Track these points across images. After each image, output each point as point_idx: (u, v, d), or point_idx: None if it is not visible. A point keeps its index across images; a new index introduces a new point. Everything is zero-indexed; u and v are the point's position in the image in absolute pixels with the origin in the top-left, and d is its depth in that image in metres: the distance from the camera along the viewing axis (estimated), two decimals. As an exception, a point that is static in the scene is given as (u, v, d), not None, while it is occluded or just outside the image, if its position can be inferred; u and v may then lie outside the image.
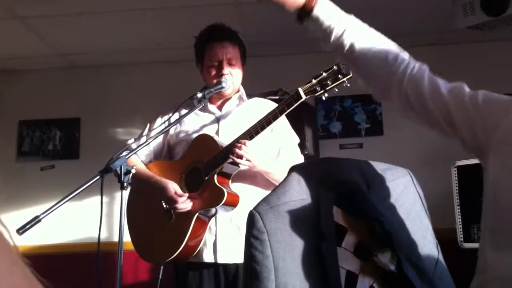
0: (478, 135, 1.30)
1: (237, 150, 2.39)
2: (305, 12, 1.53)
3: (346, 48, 1.48)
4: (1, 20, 3.80)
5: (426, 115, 1.39)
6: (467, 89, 1.35)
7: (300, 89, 2.33)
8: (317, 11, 1.51)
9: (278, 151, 2.68)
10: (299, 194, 1.43)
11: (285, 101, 2.39)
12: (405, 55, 1.46)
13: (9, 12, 3.67)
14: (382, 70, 1.45)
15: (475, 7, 3.42)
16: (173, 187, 2.53)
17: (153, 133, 2.61)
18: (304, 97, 2.32)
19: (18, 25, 3.90)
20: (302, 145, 3.05)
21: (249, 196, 2.48)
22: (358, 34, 1.48)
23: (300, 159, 2.73)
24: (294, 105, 2.36)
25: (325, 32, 1.51)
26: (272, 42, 4.45)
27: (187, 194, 2.52)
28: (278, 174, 2.46)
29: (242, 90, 2.79)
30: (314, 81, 2.31)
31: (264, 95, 2.99)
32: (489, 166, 1.28)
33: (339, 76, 2.25)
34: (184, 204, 2.50)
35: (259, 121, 2.42)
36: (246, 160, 2.41)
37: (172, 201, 2.51)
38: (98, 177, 2.09)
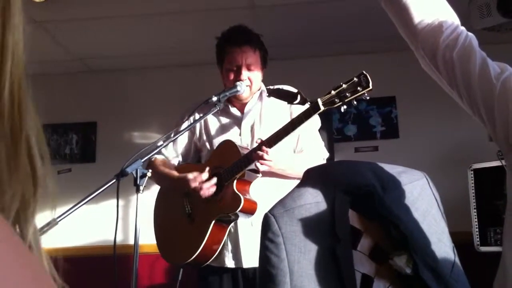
0: (510, 128, 1.25)
1: (260, 154, 2.41)
2: None
3: None
4: (18, 25, 3.84)
5: (468, 92, 1.33)
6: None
7: (319, 100, 2.32)
8: None
9: (297, 138, 2.69)
10: (314, 197, 1.43)
11: (303, 112, 2.39)
12: (457, 20, 1.41)
13: (26, 17, 3.70)
14: (431, 29, 1.40)
15: (492, 8, 3.39)
16: (193, 173, 2.54)
17: (175, 135, 2.62)
18: (322, 108, 2.31)
19: (35, 29, 3.93)
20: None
21: (270, 200, 2.48)
22: None
23: (319, 145, 2.74)
24: (312, 116, 2.36)
25: None
26: (286, 45, 4.44)
27: (207, 169, 2.53)
28: (291, 168, 2.55)
29: (263, 87, 2.79)
30: (333, 92, 2.29)
31: (282, 95, 2.94)
32: None
33: (359, 88, 2.23)
34: (208, 183, 2.51)
35: (278, 130, 2.43)
36: (266, 166, 2.44)
37: (195, 182, 2.51)
38: (114, 180, 2.10)
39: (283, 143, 2.49)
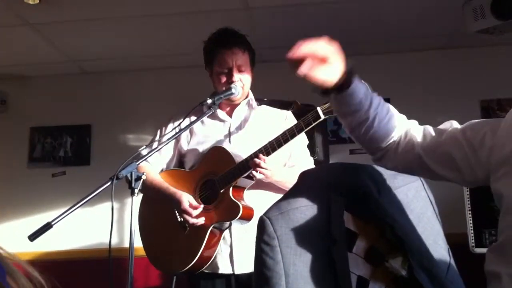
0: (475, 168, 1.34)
1: (257, 162, 2.40)
2: (342, 87, 1.46)
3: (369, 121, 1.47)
4: (12, 27, 3.83)
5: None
6: (456, 127, 1.44)
7: (319, 109, 2.32)
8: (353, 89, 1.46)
9: (289, 154, 2.69)
10: (310, 200, 1.43)
11: (303, 119, 2.39)
12: (403, 125, 1.55)
13: (20, 19, 3.70)
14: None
15: (486, 11, 3.40)
16: (188, 199, 2.52)
17: (164, 139, 2.60)
18: (322, 117, 2.32)
19: (30, 31, 3.92)
20: (312, 151, 3.04)
21: (264, 205, 2.48)
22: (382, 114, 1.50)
23: (310, 161, 2.73)
24: (312, 124, 2.36)
25: (356, 106, 1.47)
26: (282, 47, 4.42)
27: (202, 206, 2.52)
28: (288, 182, 2.48)
29: (251, 96, 2.78)
30: None
31: (276, 105, 2.95)
32: (500, 190, 1.29)
33: None
34: (198, 218, 2.50)
35: (276, 138, 2.43)
36: (263, 174, 2.43)
37: (186, 214, 2.51)
38: (109, 183, 2.09)
39: (275, 158, 2.48)
